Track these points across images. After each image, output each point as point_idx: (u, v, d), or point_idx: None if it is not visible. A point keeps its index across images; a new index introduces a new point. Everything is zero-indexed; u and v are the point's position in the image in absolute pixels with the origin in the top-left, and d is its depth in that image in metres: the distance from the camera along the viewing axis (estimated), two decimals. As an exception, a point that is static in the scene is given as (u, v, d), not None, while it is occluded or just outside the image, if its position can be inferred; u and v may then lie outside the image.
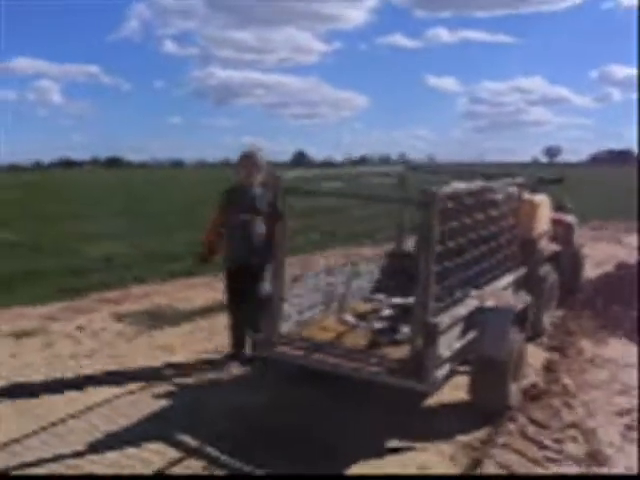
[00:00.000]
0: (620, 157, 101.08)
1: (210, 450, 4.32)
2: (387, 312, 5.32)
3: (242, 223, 5.48)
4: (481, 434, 4.66)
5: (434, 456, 4.36)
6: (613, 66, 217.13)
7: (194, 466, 4.13)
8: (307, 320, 5.14)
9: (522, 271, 6.09)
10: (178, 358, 6.16)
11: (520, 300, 5.04)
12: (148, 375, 5.69)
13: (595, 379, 5.78)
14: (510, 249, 5.83)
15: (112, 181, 50.61)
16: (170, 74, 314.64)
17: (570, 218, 7.86)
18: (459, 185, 4.76)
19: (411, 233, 6.51)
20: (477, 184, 5.52)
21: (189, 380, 5.60)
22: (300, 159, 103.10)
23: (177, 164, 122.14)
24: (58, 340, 6.67)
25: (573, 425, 4.85)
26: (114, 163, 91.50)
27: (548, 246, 6.84)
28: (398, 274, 6.20)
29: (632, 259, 8.89)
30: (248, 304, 5.46)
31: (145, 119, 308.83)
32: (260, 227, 5.42)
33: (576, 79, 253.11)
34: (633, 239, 13.47)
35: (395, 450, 4.43)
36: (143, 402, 5.09)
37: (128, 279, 9.90)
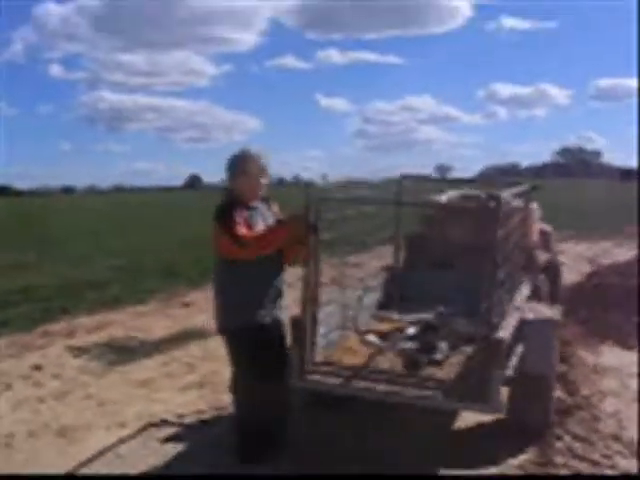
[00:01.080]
0: (505, 172, 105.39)
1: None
2: (412, 330, 4.93)
3: (260, 264, 3.94)
4: (530, 456, 4.36)
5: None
6: (498, 85, 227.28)
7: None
8: (328, 343, 4.66)
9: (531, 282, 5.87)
10: (164, 395, 5.54)
11: (555, 312, 4.77)
12: (138, 415, 5.06)
13: (608, 388, 5.60)
14: (521, 259, 5.61)
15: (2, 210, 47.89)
16: (58, 98, 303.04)
17: (547, 226, 7.77)
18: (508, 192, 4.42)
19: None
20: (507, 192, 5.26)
21: (190, 418, 5.01)
22: (194, 183, 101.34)
23: (68, 190, 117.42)
24: (15, 382, 5.89)
25: (614, 437, 4.64)
26: (2, 192, 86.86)
27: (542, 255, 6.68)
28: (401, 287, 5.85)
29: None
30: (273, 387, 4.09)
31: (33, 145, 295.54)
32: (280, 260, 4.14)
33: (464, 98, 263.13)
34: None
35: None
36: (151, 447, 4.47)
37: (55, 311, 8.99)
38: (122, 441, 4.59)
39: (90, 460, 4.29)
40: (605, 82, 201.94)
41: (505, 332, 3.92)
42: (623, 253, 11.89)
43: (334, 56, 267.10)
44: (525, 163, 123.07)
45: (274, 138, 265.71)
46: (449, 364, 4.38)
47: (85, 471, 4.13)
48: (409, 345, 4.65)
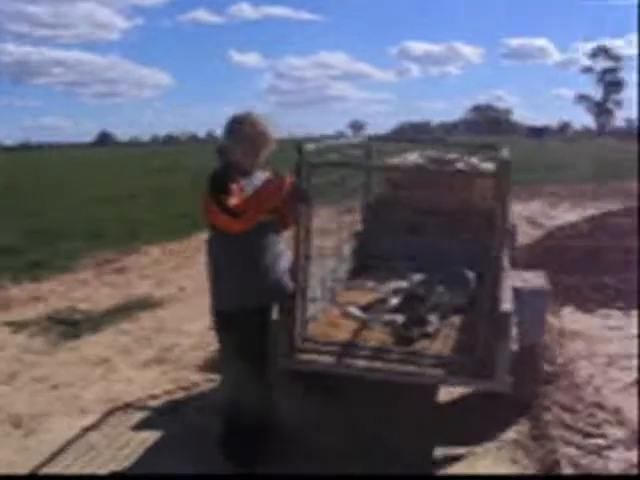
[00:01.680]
0: (418, 129, 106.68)
1: None
2: (395, 301, 4.69)
3: (257, 233, 3.46)
4: (523, 428, 4.24)
5: (495, 461, 3.87)
6: (411, 42, 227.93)
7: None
8: (309, 318, 4.36)
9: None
10: (122, 373, 5.14)
11: (543, 280, 4.61)
12: (99, 398, 4.66)
13: (578, 353, 5.56)
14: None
15: None
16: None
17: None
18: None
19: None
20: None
21: (158, 400, 4.65)
22: (105, 140, 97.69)
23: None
24: (-50, 364, 5.36)
25: (598, 406, 4.57)
26: None
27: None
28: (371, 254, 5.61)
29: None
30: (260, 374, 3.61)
31: None
32: (278, 239, 3.66)
33: (377, 55, 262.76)
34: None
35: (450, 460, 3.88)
36: (124, 436, 4.09)
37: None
38: (88, 430, 4.18)
39: (57, 454, 3.86)
40: (516, 41, 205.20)
41: (509, 304, 3.72)
42: (563, 214, 12.02)
43: (246, 10, 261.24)
44: (437, 120, 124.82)
45: (186, 93, 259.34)
46: (442, 337, 4.17)
47: (54, 469, 3.70)
48: (395, 317, 4.41)
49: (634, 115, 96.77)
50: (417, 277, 5.10)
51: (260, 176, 3.54)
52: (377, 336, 4.20)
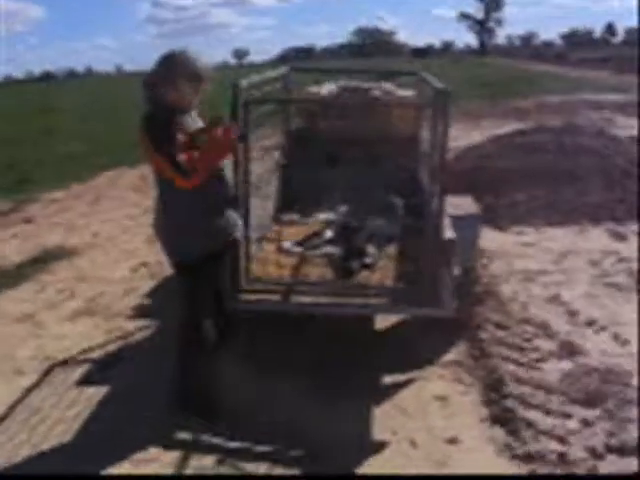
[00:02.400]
0: (302, 54, 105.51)
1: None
2: (329, 233, 4.69)
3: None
4: (461, 349, 4.41)
5: (439, 382, 4.02)
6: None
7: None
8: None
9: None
10: (52, 329, 4.96)
11: (473, 205, 4.72)
12: (33, 356, 4.50)
13: (499, 271, 5.77)
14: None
15: None
16: None
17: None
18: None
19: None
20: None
21: (95, 353, 4.53)
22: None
23: None
24: None
25: (526, 321, 4.79)
26: None
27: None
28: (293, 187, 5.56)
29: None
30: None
31: None
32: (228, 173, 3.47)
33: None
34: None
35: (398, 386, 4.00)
36: (69, 396, 3.95)
37: None
38: (30, 391, 4.02)
39: (2, 419, 3.71)
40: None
41: (451, 231, 3.80)
42: (464, 135, 12.20)
43: None
44: (322, 44, 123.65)
45: (60, 26, 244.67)
46: (381, 267, 4.23)
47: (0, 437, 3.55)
48: (332, 250, 4.43)
49: (513, 32, 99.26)
50: (343, 208, 5.11)
51: (195, 117, 3.39)
52: (317, 270, 4.22)
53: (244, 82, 3.68)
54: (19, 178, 11.14)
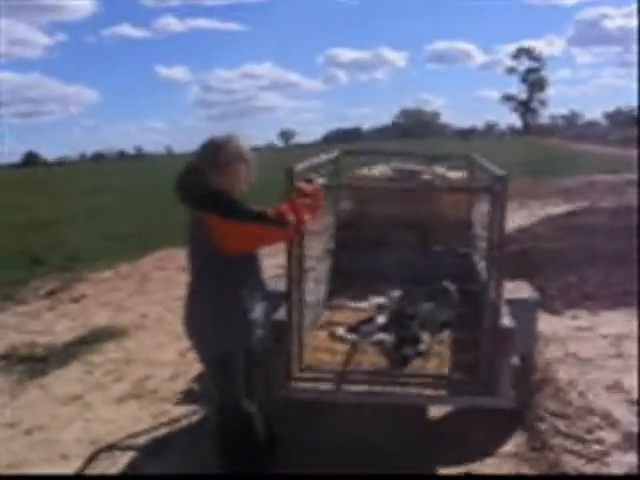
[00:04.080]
0: (348, 135, 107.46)
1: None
2: (381, 319, 4.61)
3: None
4: (521, 441, 4.22)
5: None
6: (337, 50, 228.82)
7: None
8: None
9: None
10: (98, 411, 4.91)
11: (529, 289, 4.61)
12: (78, 440, 4.43)
13: (554, 357, 5.58)
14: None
15: None
16: None
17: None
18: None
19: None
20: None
21: (142, 438, 4.44)
22: (32, 160, 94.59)
23: None
24: None
25: (587, 410, 4.60)
26: None
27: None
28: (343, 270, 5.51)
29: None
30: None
31: None
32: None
33: (304, 63, 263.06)
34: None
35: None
36: None
37: None
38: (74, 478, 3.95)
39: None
40: (440, 45, 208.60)
41: (509, 319, 3.69)
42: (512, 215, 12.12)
43: (172, 24, 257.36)
44: (366, 126, 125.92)
45: (112, 109, 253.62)
46: (436, 355, 4.11)
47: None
48: (385, 337, 4.34)
49: (557, 112, 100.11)
50: (396, 293, 5.04)
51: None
52: (370, 358, 4.12)
53: (299, 166, 3.69)
54: (66, 256, 11.33)
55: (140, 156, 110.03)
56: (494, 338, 3.56)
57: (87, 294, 8.60)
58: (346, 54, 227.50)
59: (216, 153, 3.18)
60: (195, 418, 4.68)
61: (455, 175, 6.00)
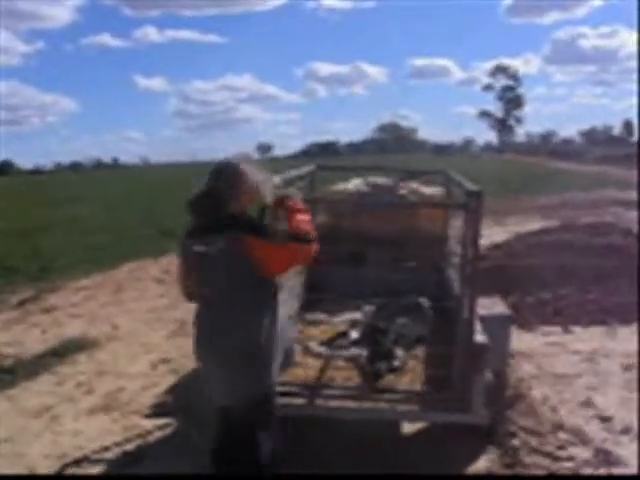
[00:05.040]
0: (326, 149, 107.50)
1: None
2: (355, 334, 4.59)
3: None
4: (493, 456, 4.20)
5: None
6: (317, 64, 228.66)
7: None
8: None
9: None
10: (68, 424, 4.83)
11: (502, 305, 4.62)
12: (46, 454, 4.35)
13: (527, 373, 5.60)
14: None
15: None
16: None
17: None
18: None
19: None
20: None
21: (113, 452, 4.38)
22: (6, 169, 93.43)
23: None
24: None
25: (559, 426, 4.61)
26: None
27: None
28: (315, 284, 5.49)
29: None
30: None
31: None
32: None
33: (283, 77, 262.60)
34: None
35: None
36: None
37: None
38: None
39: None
40: (419, 61, 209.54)
41: (483, 335, 3.70)
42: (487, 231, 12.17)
43: (151, 34, 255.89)
44: (344, 140, 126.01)
45: (91, 119, 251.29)
46: (409, 371, 4.11)
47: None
48: (359, 352, 4.33)
49: (533, 130, 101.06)
50: (370, 308, 5.04)
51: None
52: (343, 373, 4.11)
53: (275, 179, 3.67)
54: (41, 266, 11.20)
55: (116, 166, 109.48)
56: (467, 354, 3.56)
57: (59, 304, 8.49)
58: (325, 68, 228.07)
59: (231, 183, 3.05)
60: (167, 431, 4.62)
61: (430, 190, 6.02)
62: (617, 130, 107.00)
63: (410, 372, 4.08)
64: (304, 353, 4.38)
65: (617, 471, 4.02)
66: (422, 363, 4.22)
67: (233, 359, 3.00)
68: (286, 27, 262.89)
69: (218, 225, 2.98)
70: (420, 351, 4.40)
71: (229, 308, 2.99)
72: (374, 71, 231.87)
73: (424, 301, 4.93)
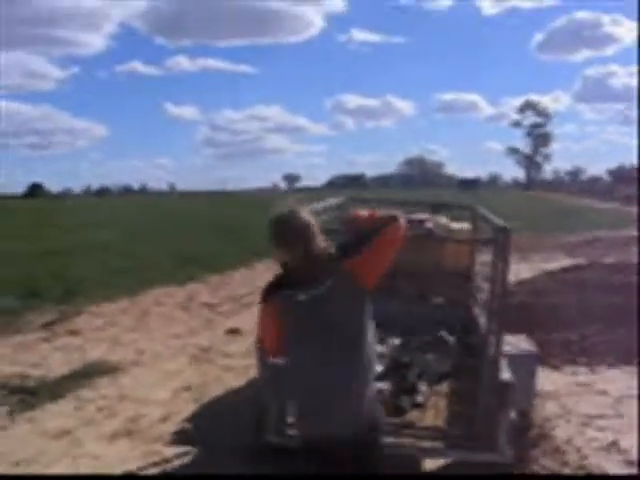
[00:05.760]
0: (353, 181, 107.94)
1: None
2: (378, 368, 4.56)
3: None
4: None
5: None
6: (346, 96, 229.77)
7: None
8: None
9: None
10: (88, 448, 4.83)
11: (528, 343, 4.58)
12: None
13: (552, 413, 5.50)
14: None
15: None
16: None
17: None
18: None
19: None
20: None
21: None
22: (36, 191, 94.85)
23: None
24: None
25: (583, 469, 4.53)
26: None
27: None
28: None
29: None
30: None
31: None
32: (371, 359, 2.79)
33: (312, 108, 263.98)
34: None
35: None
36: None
37: None
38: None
39: None
40: (448, 96, 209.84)
41: (508, 373, 3.65)
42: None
43: (183, 63, 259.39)
44: (371, 173, 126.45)
45: (121, 145, 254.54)
46: (432, 407, 4.06)
47: None
48: (382, 385, 4.29)
49: (561, 167, 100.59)
50: (395, 341, 5.00)
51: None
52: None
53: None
54: (66, 289, 11.25)
55: (144, 192, 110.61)
56: (493, 392, 3.51)
57: (84, 328, 8.53)
58: (354, 100, 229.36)
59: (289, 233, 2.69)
60: (186, 460, 4.60)
61: (458, 226, 6.00)
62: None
63: (433, 408, 4.03)
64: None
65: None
66: (445, 399, 4.17)
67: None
68: (317, 59, 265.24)
69: (312, 269, 2.70)
70: (445, 387, 4.35)
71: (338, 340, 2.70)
72: (403, 105, 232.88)
73: (448, 337, 4.89)
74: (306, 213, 2.74)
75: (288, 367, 2.76)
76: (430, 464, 4.45)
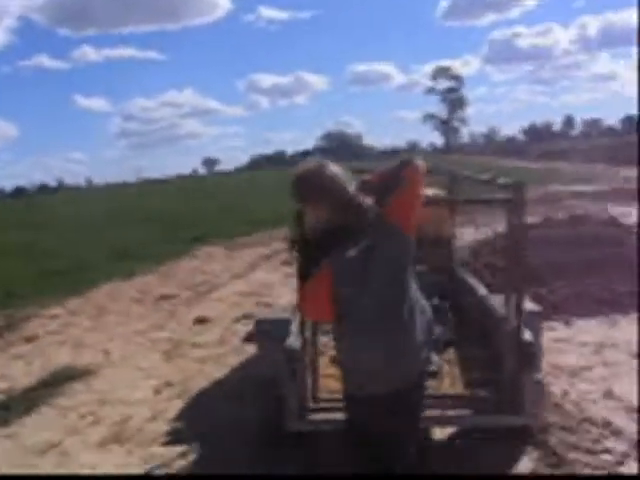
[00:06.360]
0: (271, 160, 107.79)
1: None
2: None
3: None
4: (535, 456, 4.08)
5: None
6: (258, 75, 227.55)
7: None
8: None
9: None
10: (81, 458, 4.56)
11: (530, 303, 4.53)
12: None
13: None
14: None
15: None
16: None
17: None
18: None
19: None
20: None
21: None
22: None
23: None
24: None
25: (587, 420, 4.55)
26: None
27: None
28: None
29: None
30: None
31: None
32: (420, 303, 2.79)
33: (225, 90, 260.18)
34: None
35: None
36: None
37: None
38: None
39: None
40: (361, 67, 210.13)
41: (528, 332, 3.59)
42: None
43: (89, 53, 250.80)
44: (290, 150, 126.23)
45: (32, 142, 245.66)
46: (447, 375, 3.98)
47: None
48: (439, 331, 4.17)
49: (477, 130, 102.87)
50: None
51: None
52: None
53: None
54: (4, 292, 10.68)
55: (61, 189, 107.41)
56: (517, 354, 3.45)
57: (40, 332, 8.09)
58: (267, 79, 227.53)
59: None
60: (190, 460, 4.37)
61: (431, 191, 5.91)
62: (557, 126, 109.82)
63: (448, 376, 3.95)
64: (332, 363, 4.20)
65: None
66: (457, 366, 4.10)
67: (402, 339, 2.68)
68: (226, 40, 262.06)
69: (355, 221, 2.61)
70: (451, 354, 4.28)
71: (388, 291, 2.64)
72: (316, 80, 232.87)
73: (443, 303, 4.82)
74: (333, 165, 2.68)
75: (341, 325, 2.67)
76: (439, 433, 4.37)
